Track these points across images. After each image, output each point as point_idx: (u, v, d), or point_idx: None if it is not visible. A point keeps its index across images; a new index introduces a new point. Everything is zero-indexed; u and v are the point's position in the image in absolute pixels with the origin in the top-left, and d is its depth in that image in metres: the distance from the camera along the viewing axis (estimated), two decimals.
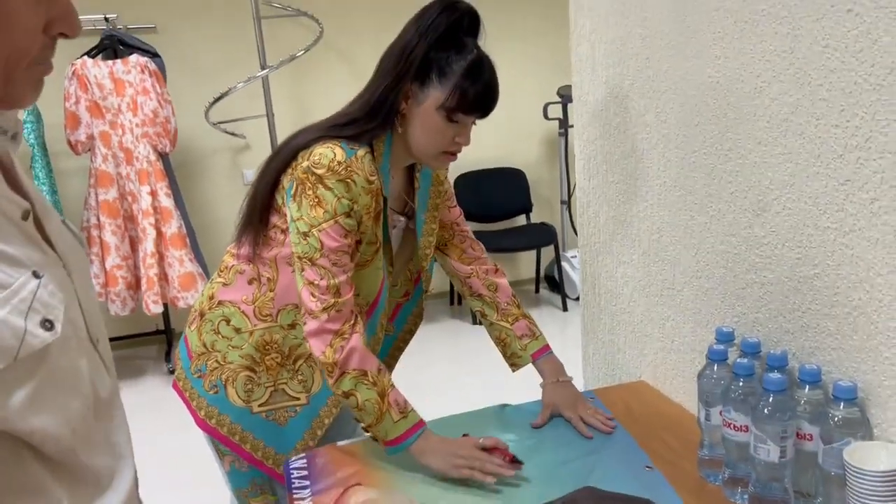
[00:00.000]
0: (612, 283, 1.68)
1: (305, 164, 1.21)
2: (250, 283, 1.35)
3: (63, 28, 0.68)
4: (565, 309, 4.33)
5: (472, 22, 1.24)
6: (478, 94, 1.22)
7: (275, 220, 1.30)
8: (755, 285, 1.21)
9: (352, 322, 1.24)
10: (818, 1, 1.00)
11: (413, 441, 1.24)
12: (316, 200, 1.20)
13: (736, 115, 1.19)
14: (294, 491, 1.27)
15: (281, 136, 3.96)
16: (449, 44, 1.22)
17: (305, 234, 1.21)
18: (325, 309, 1.21)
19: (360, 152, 1.22)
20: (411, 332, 1.55)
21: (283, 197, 1.27)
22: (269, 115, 3.85)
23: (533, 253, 4.69)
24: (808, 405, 1.06)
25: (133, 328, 4.10)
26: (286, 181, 1.25)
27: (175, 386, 1.42)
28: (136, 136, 3.45)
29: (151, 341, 4.21)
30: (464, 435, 1.31)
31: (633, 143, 1.50)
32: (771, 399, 1.04)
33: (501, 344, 1.52)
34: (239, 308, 1.35)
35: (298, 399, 1.38)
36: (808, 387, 1.06)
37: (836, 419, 1.00)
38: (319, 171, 1.20)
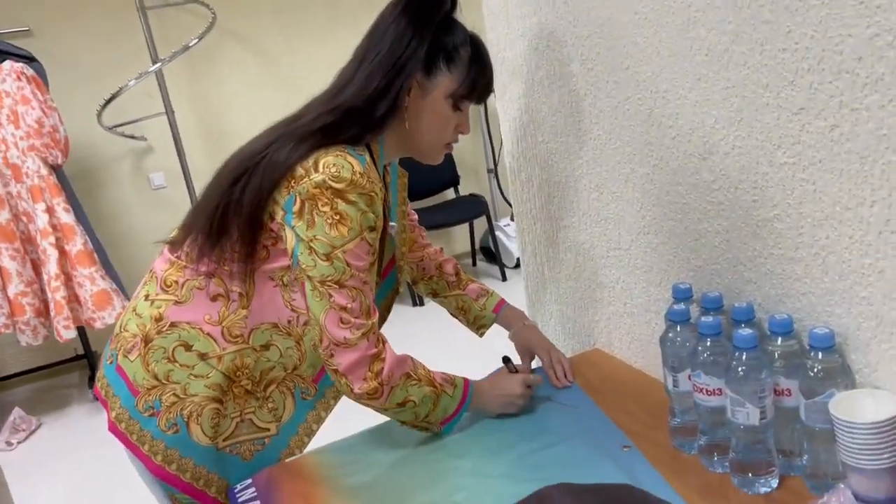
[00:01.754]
0: (553, 250, 1.57)
1: (319, 177, 1.06)
2: (214, 299, 1.17)
3: None
4: (504, 279, 4.25)
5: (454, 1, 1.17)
6: (487, 80, 1.20)
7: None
8: (709, 235, 1.12)
9: (382, 338, 1.15)
10: None
11: (469, 403, 1.23)
12: (336, 218, 1.07)
13: (670, 52, 1.09)
14: None
15: (185, 135, 3.75)
16: (444, 27, 1.15)
17: (327, 256, 1.07)
18: (363, 335, 1.10)
19: (368, 158, 1.12)
20: None
21: (275, 212, 1.11)
22: (169, 113, 3.60)
23: (466, 226, 4.58)
24: (783, 358, 0.97)
25: (50, 357, 3.81)
26: (281, 196, 1.10)
27: (114, 429, 1.20)
28: (21, 151, 3.15)
29: (72, 368, 3.92)
30: (505, 361, 1.35)
31: (560, 96, 1.39)
32: (744, 357, 0.95)
33: (462, 312, 1.49)
34: (202, 329, 1.17)
35: (267, 430, 1.23)
36: (780, 338, 0.98)
37: (815, 370, 0.92)
38: (339, 185, 1.06)
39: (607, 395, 1.30)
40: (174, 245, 1.23)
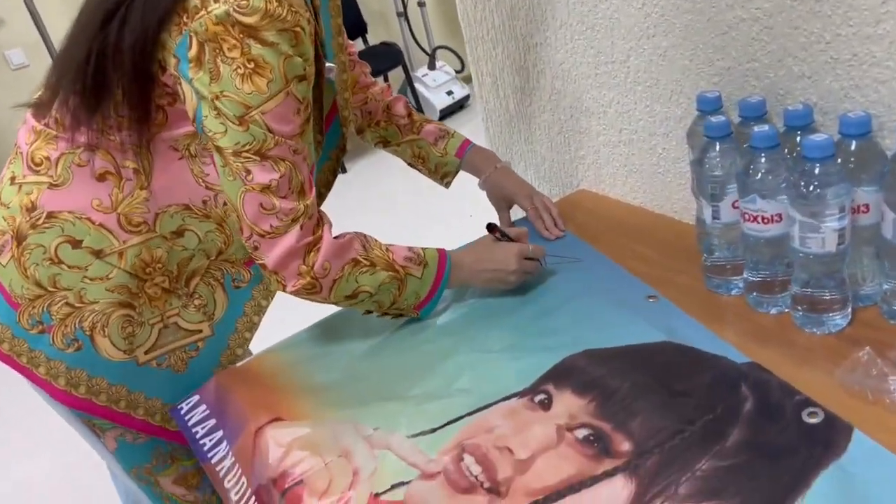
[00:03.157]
0: (521, 77, 1.31)
1: (220, 9, 0.76)
2: (102, 178, 0.89)
3: None
4: None
5: None
6: None
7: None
8: (744, 24, 0.88)
9: (321, 221, 0.91)
10: None
11: (447, 280, 1.00)
12: (250, 67, 0.78)
13: None
14: (201, 442, 0.92)
15: (41, 0, 3.15)
16: None
17: (241, 119, 0.80)
18: (294, 220, 0.86)
19: None
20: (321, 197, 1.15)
21: (166, 59, 0.81)
22: None
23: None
24: (859, 167, 0.78)
25: None
26: (171, 38, 0.80)
27: None
28: None
29: None
30: (489, 229, 1.07)
31: None
32: (817, 171, 0.75)
33: (420, 161, 1.23)
34: (90, 219, 0.90)
35: (199, 332, 0.99)
36: (854, 142, 0.78)
37: None
38: (250, 19, 0.77)
39: (610, 241, 1.10)
40: (40, 109, 0.92)
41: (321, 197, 1.10)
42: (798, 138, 0.82)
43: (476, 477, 0.75)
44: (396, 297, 0.96)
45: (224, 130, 0.81)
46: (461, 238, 1.12)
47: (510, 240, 1.04)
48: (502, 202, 1.21)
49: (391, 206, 3.20)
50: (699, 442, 0.72)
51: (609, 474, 0.71)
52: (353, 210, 2.54)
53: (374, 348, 1.00)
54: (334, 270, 0.90)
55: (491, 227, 1.07)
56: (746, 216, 0.83)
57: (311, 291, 0.90)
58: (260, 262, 0.88)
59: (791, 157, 0.81)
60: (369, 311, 1.00)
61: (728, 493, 0.66)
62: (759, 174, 0.80)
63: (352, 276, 0.91)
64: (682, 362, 0.83)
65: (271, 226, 0.85)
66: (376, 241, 0.96)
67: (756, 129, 0.80)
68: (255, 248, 0.87)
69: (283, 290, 0.91)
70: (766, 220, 0.82)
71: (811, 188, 0.75)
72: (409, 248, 0.98)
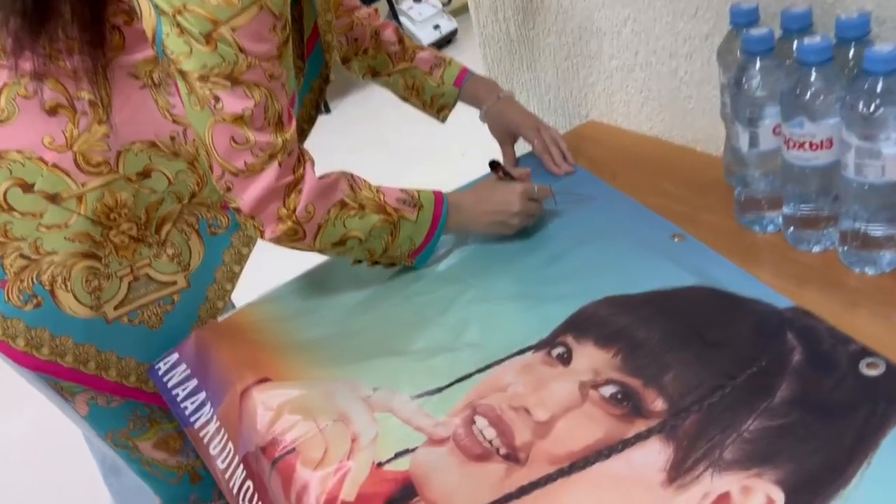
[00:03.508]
0: None
1: None
2: (53, 112, 0.80)
3: None
4: None
5: None
6: None
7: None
8: None
9: (302, 158, 0.81)
10: None
11: (444, 224, 0.90)
12: None
13: None
14: (182, 405, 0.85)
15: None
16: None
17: (207, 37, 0.69)
18: (271, 156, 0.76)
19: None
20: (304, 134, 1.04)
21: None
22: None
23: None
24: None
25: None
26: None
27: None
28: None
29: None
30: (492, 166, 0.97)
31: None
32: (879, 87, 0.65)
33: (414, 92, 1.12)
34: (43, 159, 0.80)
35: (173, 283, 0.91)
36: None
37: None
38: None
39: (626, 176, 1.00)
40: None
41: (303, 134, 1.00)
42: (851, 52, 0.72)
43: (490, 442, 0.67)
44: (389, 244, 0.87)
45: (188, 51, 0.70)
46: (455, 180, 1.02)
47: (513, 180, 0.94)
48: (506, 135, 1.10)
49: (379, 146, 3.07)
50: (743, 399, 0.64)
51: (642, 437, 0.63)
52: (337, 151, 2.42)
53: (369, 299, 0.91)
54: (319, 214, 0.80)
55: (494, 165, 0.97)
56: (791, 143, 0.73)
57: (293, 238, 0.81)
58: (234, 205, 0.79)
59: (843, 74, 0.71)
60: (359, 261, 0.91)
61: (781, 457, 0.58)
62: (809, 93, 0.70)
63: (339, 220, 0.82)
64: (716, 308, 0.75)
65: (245, 162, 0.75)
66: (365, 181, 0.86)
67: (806, 40, 0.69)
68: (228, 189, 0.77)
69: (262, 237, 0.81)
70: (814, 146, 0.72)
71: (872, 107, 0.65)
72: (402, 190, 0.88)
